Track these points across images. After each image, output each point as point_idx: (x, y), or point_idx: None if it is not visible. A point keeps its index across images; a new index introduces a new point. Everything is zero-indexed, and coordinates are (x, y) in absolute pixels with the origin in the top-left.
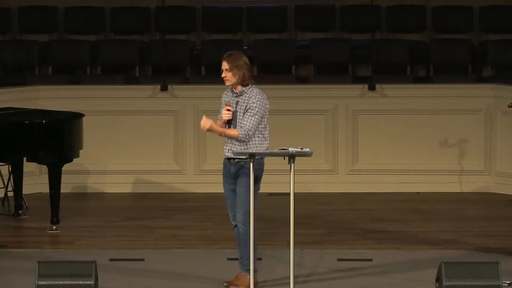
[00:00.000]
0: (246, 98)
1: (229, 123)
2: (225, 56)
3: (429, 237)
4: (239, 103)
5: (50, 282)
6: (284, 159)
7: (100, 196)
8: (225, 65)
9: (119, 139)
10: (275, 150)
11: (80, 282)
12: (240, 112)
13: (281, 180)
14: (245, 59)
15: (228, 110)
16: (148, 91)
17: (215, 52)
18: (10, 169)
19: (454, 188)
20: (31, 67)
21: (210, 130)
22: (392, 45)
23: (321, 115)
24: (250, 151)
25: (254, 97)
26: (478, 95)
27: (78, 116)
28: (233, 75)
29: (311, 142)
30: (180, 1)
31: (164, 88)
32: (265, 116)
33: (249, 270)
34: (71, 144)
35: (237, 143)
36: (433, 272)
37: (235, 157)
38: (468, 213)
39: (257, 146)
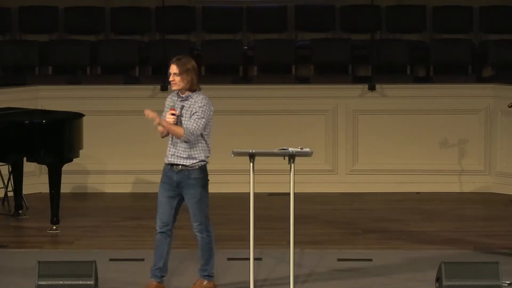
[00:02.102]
0: (192, 102)
1: None
2: (174, 60)
3: (429, 237)
4: (184, 107)
5: (50, 282)
6: (284, 159)
7: (100, 196)
8: (174, 69)
9: (119, 139)
10: (275, 150)
11: (80, 282)
12: (186, 116)
13: (281, 180)
14: (193, 63)
15: (173, 114)
16: (148, 91)
17: (215, 52)
18: (10, 169)
19: (454, 188)
20: (31, 67)
21: (158, 122)
22: (392, 45)
23: (321, 115)
24: (250, 151)
25: (201, 101)
26: (478, 95)
27: (78, 116)
28: (182, 79)
29: (311, 142)
30: (180, 1)
31: (164, 88)
32: (210, 123)
33: (209, 276)
34: (71, 144)
35: (182, 148)
36: (433, 272)
37: (179, 163)
38: (468, 213)
39: (200, 152)
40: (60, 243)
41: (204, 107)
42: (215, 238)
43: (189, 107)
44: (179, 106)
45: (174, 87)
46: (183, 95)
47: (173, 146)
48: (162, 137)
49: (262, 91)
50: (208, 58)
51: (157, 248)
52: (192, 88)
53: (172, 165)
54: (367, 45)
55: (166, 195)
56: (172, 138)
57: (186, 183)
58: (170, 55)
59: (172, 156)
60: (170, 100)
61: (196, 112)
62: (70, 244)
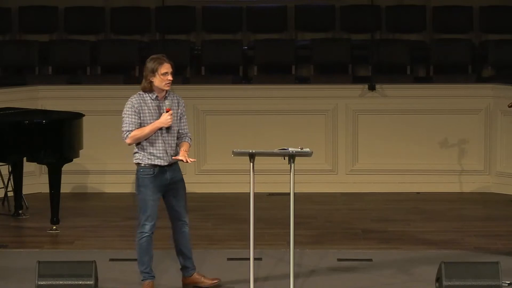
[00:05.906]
0: (175, 99)
1: (168, 127)
2: (165, 59)
3: (429, 237)
4: (166, 106)
5: (50, 282)
6: (284, 159)
7: (100, 196)
8: (170, 68)
9: (119, 139)
10: (275, 150)
11: (80, 282)
12: (174, 117)
13: (281, 180)
14: None
15: (171, 114)
16: None
17: (215, 52)
18: (10, 169)
19: (454, 188)
20: (31, 67)
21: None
22: (392, 45)
23: (321, 115)
24: (250, 151)
25: (182, 101)
26: (478, 95)
27: (78, 116)
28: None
29: (311, 142)
30: (180, 1)
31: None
32: None
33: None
34: (71, 144)
35: (174, 148)
36: (433, 272)
37: (172, 162)
38: (468, 213)
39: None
40: (60, 243)
41: (184, 106)
42: (215, 238)
43: (175, 104)
44: (164, 105)
45: (168, 87)
46: (165, 94)
47: (169, 147)
48: (130, 143)
49: (262, 91)
50: (208, 58)
51: (147, 250)
52: None
53: (163, 166)
54: (367, 45)
55: (156, 197)
56: (164, 140)
57: (177, 176)
58: (170, 55)
59: (171, 157)
60: (143, 102)
61: (184, 116)
62: (70, 244)
